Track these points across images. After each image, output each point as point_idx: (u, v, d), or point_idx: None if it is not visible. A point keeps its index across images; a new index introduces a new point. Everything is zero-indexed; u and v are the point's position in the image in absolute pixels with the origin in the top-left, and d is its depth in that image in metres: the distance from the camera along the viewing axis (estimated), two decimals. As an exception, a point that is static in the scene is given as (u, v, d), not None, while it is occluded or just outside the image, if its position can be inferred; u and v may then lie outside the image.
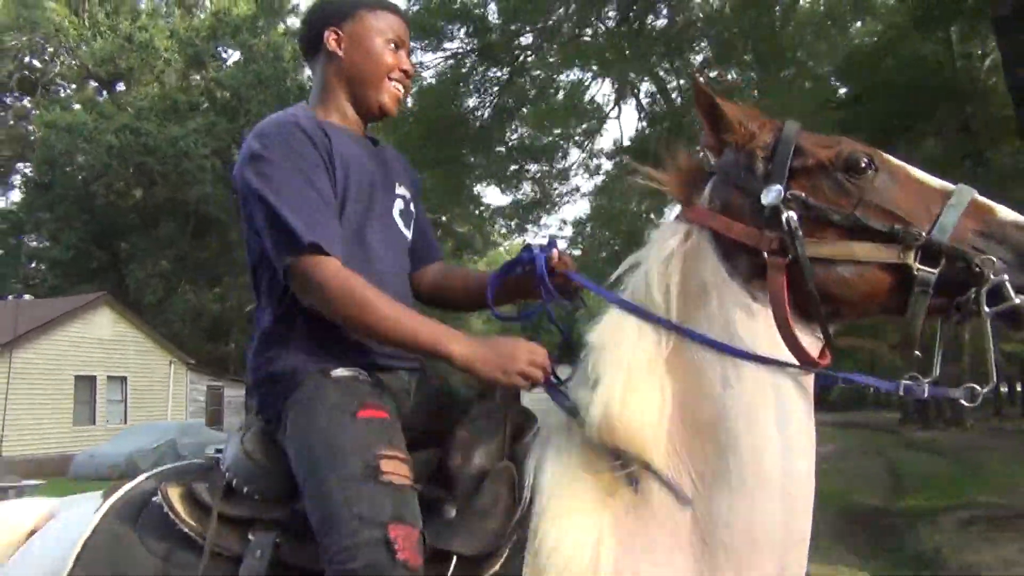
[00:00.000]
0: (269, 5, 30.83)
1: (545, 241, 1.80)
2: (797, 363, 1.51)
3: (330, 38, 1.84)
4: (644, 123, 16.71)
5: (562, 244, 2.26)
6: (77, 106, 30.30)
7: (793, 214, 1.50)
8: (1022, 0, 10.22)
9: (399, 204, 1.90)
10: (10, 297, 24.72)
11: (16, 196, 35.90)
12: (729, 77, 15.01)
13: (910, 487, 15.99)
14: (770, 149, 1.59)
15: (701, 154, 1.72)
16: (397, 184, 1.91)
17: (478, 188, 18.48)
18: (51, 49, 31.34)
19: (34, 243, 34.21)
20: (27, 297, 27.38)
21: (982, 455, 20.32)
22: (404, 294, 1.83)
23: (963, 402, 1.46)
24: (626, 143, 17.67)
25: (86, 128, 27.33)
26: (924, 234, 1.45)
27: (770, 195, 1.53)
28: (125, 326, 24.45)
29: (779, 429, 1.51)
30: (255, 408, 1.78)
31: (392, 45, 1.87)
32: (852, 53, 13.36)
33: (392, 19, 1.88)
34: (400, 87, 1.89)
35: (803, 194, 1.53)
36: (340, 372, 1.67)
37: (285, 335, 1.71)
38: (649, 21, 15.12)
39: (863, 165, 1.52)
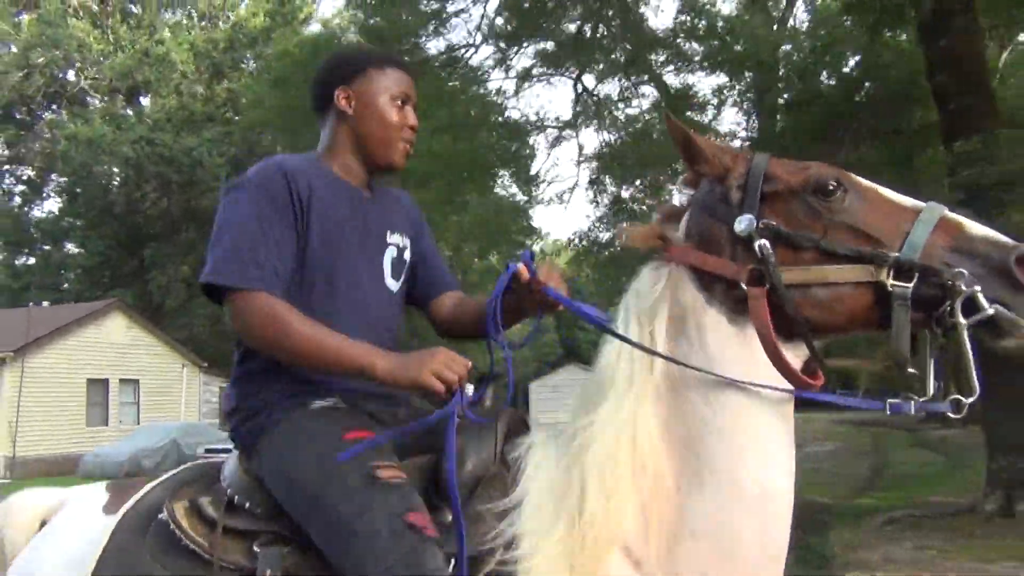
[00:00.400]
0: (283, 17, 31.69)
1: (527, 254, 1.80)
2: (775, 386, 1.54)
3: (340, 97, 1.90)
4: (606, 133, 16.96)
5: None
6: (99, 119, 31.48)
7: (766, 242, 1.54)
8: (942, 7, 10.36)
9: (391, 252, 1.94)
10: (31, 304, 25.75)
11: (50, 206, 37.42)
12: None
13: (876, 486, 16.05)
14: (742, 178, 1.64)
15: (679, 187, 1.78)
16: (389, 233, 1.94)
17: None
18: (79, 64, 32.61)
19: (73, 250, 35.66)
20: (46, 304, 28.47)
21: (982, 453, 20.19)
22: (378, 328, 1.85)
23: (950, 415, 1.47)
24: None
25: (104, 140, 28.48)
26: (894, 252, 1.48)
27: (742, 224, 1.57)
28: (138, 330, 25.43)
29: (758, 448, 1.54)
30: (230, 436, 1.83)
31: (399, 102, 1.92)
32: (787, 59, 13.51)
33: (399, 75, 1.94)
34: (408, 143, 1.94)
35: (775, 221, 1.57)
36: (318, 404, 1.73)
37: (260, 368, 1.77)
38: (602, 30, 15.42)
39: (831, 187, 1.55)
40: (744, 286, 1.54)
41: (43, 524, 1.99)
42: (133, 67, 30.66)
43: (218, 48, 33.33)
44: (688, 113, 16.47)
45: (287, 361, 1.69)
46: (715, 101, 15.70)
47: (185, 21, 34.65)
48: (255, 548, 1.65)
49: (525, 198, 17.70)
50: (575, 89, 15.91)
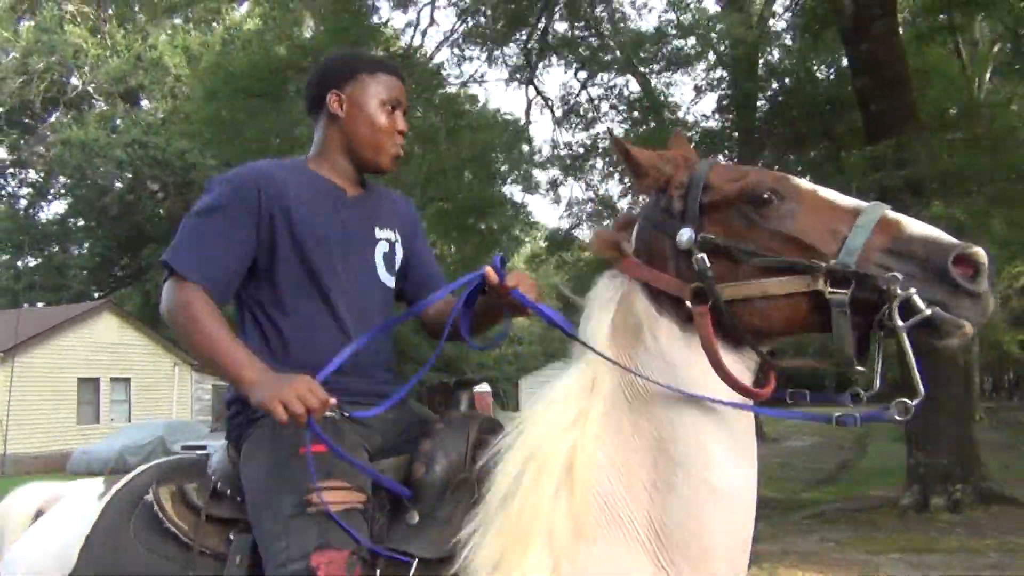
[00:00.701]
0: (273, 20, 32.04)
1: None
2: (723, 400, 1.56)
3: (332, 100, 1.95)
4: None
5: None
6: (94, 123, 32.05)
7: (704, 256, 1.56)
8: (860, 13, 10.60)
9: (381, 247, 1.98)
10: (25, 305, 26.40)
11: (57, 208, 38.16)
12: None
13: (834, 480, 16.26)
14: (684, 189, 1.64)
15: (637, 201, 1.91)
16: (378, 229, 1.98)
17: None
18: (78, 69, 33.20)
19: (75, 251, 36.35)
20: (40, 305, 29.12)
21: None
22: (366, 327, 1.87)
23: (897, 418, 1.46)
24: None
25: (97, 144, 29.04)
26: (827, 262, 1.47)
27: (683, 237, 1.59)
28: (129, 330, 26.07)
29: (724, 447, 1.58)
30: (225, 422, 1.92)
31: (389, 107, 1.97)
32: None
33: (390, 80, 1.99)
34: (397, 147, 1.99)
35: (713, 235, 1.57)
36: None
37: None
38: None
39: (765, 197, 1.55)
40: (688, 304, 1.57)
41: (38, 516, 2.09)
42: (127, 71, 31.19)
43: (212, 52, 33.76)
44: (666, 113, 16.81)
45: (188, 349, 1.77)
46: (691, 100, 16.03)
47: (179, 23, 35.08)
48: (231, 536, 1.73)
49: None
50: (527, 94, 16.18)
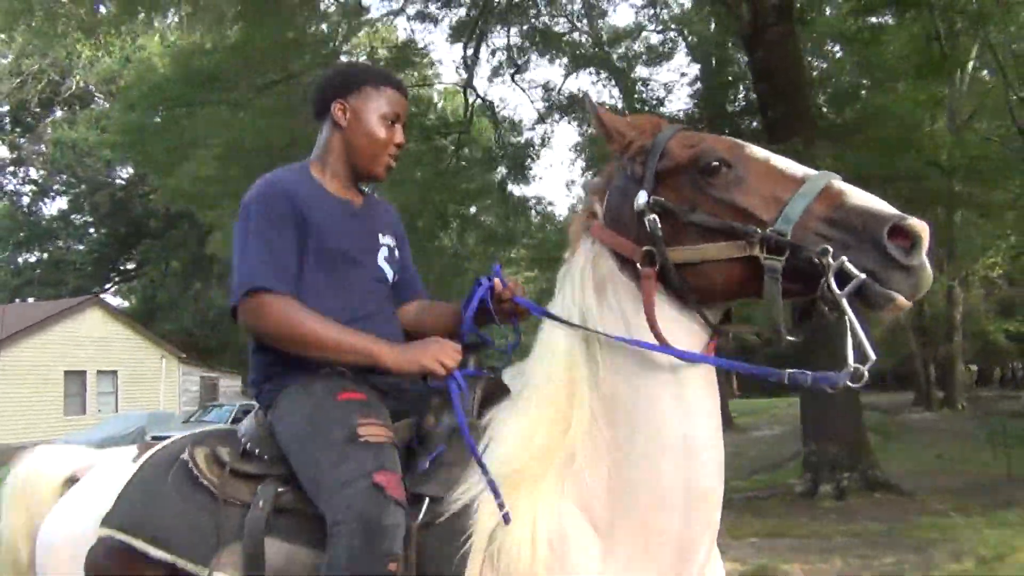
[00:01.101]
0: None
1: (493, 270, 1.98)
2: (663, 348, 1.61)
3: (337, 109, 2.06)
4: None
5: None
6: (84, 123, 32.81)
7: (655, 217, 1.61)
8: (757, 21, 11.00)
9: (383, 252, 2.12)
10: (17, 300, 27.27)
11: (59, 205, 39.06)
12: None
13: (770, 470, 16.61)
14: (643, 155, 1.68)
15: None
16: (381, 235, 2.12)
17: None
18: (80, 70, 33.97)
19: (75, 247, 37.29)
20: (31, 300, 29.99)
21: (924, 437, 20.55)
22: (388, 323, 2.06)
23: (850, 384, 1.45)
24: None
25: (87, 143, 29.78)
26: (761, 228, 1.49)
27: (639, 200, 1.64)
28: (116, 324, 27.03)
29: (677, 401, 1.63)
30: (254, 395, 2.04)
31: (390, 121, 2.08)
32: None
33: (393, 95, 2.10)
34: (392, 159, 2.11)
35: (664, 198, 1.62)
36: (326, 369, 1.91)
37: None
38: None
39: (714, 165, 1.58)
40: (639, 266, 1.63)
41: (69, 482, 2.15)
42: (117, 72, 31.87)
43: (201, 52, 34.34)
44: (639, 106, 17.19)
45: (299, 353, 1.87)
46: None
47: (170, 21, 35.63)
48: (258, 488, 1.86)
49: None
50: (465, 95, 16.64)
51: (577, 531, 1.62)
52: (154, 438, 19.63)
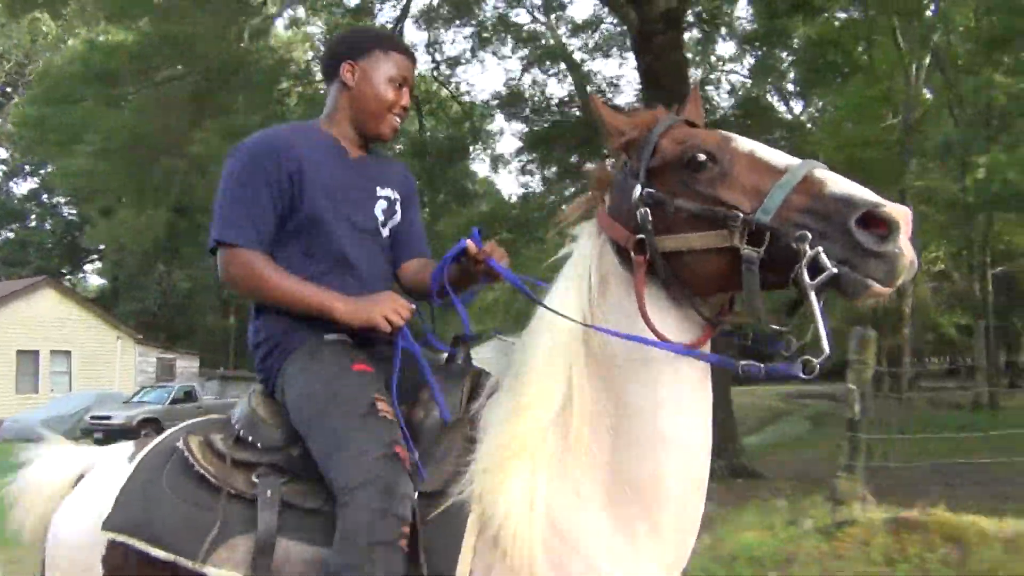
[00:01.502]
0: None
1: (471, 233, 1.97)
2: (655, 341, 1.61)
3: (345, 70, 2.10)
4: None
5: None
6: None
7: (647, 210, 1.63)
8: (644, 28, 11.40)
9: (381, 205, 2.14)
10: (-28, 281, 27.57)
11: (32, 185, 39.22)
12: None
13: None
14: (639, 149, 1.71)
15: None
16: (379, 188, 2.14)
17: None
18: (44, 54, 34.05)
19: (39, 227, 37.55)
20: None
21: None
22: (374, 272, 2.09)
23: (801, 375, 1.48)
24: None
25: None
26: (743, 216, 1.49)
27: (633, 194, 1.66)
28: (70, 305, 27.41)
29: (673, 396, 1.65)
30: (255, 366, 2.06)
31: (397, 84, 2.12)
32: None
33: (400, 59, 2.14)
34: (398, 120, 2.15)
35: (655, 190, 1.64)
36: (332, 336, 1.94)
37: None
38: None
39: (701, 161, 1.59)
40: (632, 255, 1.66)
41: (78, 481, 2.15)
42: (84, 54, 31.99)
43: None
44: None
45: (260, 302, 1.97)
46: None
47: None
48: (253, 478, 1.85)
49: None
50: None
51: (579, 510, 1.65)
52: (93, 418, 20.35)
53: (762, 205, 1.49)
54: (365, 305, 1.89)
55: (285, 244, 2.01)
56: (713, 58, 14.50)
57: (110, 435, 19.45)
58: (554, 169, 19.13)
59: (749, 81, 12.64)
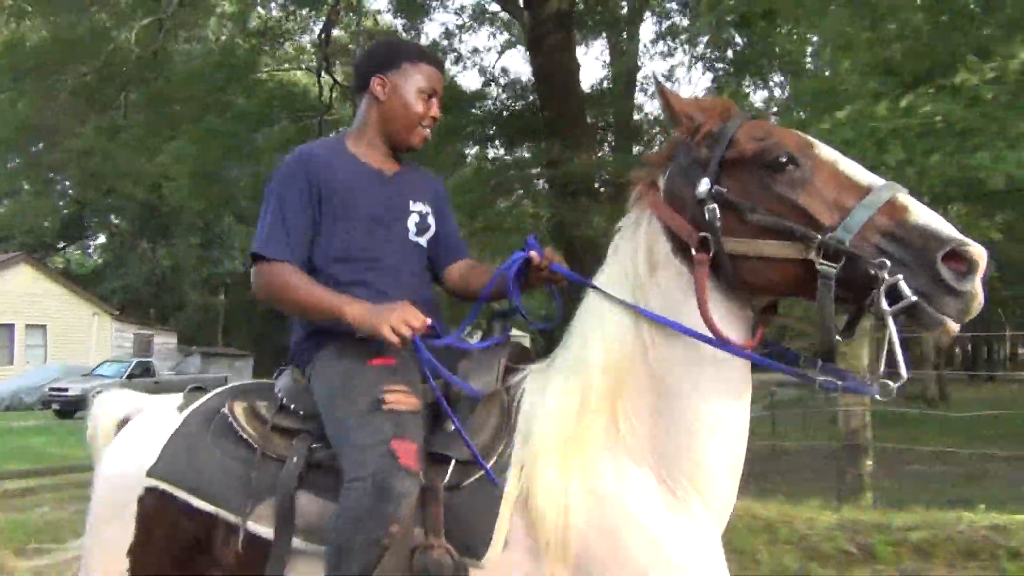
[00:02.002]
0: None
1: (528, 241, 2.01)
2: (707, 337, 1.63)
3: (376, 84, 2.15)
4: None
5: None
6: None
7: (716, 207, 1.61)
8: (536, 29, 11.91)
9: (414, 219, 2.18)
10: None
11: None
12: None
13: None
14: (711, 140, 1.68)
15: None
16: (412, 202, 2.19)
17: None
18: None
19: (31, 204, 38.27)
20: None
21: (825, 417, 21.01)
22: (415, 285, 2.15)
23: (877, 397, 1.50)
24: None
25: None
26: (821, 233, 1.50)
27: (701, 187, 1.63)
28: (45, 281, 28.34)
29: (714, 385, 1.68)
30: (291, 354, 2.15)
31: (426, 95, 2.16)
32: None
33: (430, 70, 2.18)
34: (428, 130, 2.20)
35: (726, 189, 1.61)
36: (361, 334, 1.93)
37: None
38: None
39: (782, 162, 1.57)
40: (693, 251, 1.64)
41: (123, 423, 2.27)
42: (65, 29, 32.47)
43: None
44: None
45: (284, 310, 2.03)
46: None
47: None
48: (293, 443, 1.95)
49: None
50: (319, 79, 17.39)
51: (626, 481, 1.68)
52: (52, 389, 21.25)
53: (843, 223, 1.50)
54: (375, 313, 1.87)
55: (323, 249, 2.09)
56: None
57: (67, 405, 20.64)
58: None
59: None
